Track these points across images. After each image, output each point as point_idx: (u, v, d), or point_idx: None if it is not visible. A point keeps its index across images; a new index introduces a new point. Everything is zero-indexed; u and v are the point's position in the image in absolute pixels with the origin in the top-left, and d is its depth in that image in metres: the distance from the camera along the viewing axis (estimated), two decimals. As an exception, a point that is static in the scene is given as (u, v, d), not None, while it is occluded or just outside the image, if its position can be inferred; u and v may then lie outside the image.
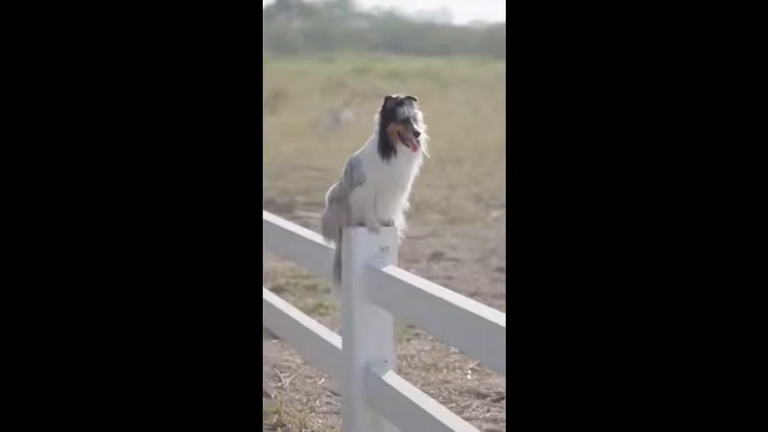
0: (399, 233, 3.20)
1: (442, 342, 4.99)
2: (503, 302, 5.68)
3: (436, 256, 7.01)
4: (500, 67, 30.31)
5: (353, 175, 3.15)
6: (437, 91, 23.19)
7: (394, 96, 3.08)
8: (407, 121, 3.01)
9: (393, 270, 3.08)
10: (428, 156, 3.13)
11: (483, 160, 12.18)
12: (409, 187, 3.16)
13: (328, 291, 6.02)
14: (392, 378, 3.12)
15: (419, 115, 3.06)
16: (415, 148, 3.03)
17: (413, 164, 3.09)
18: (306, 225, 6.20)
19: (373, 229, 3.13)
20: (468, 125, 15.60)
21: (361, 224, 3.14)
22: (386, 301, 3.09)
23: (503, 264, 6.76)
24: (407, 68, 29.99)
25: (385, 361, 3.22)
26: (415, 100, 3.08)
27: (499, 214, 8.87)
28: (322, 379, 4.50)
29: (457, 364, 4.67)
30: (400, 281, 2.95)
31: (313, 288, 6.13)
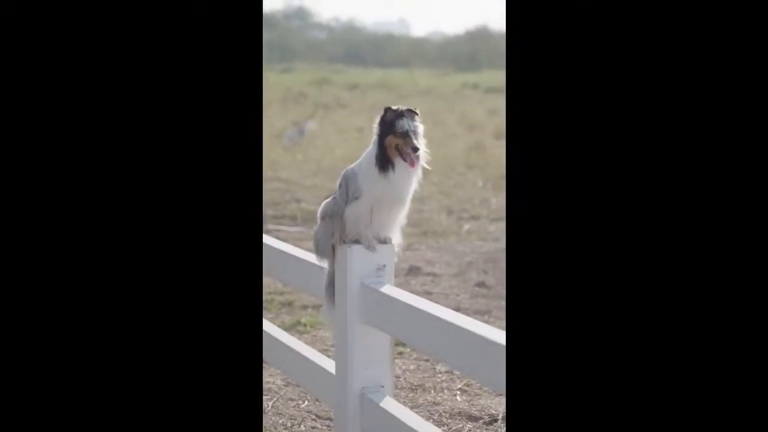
0: (396, 250, 3.04)
1: (427, 360, 4.83)
2: (486, 318, 5.53)
3: (414, 271, 6.84)
4: (460, 79, 30.49)
5: (349, 189, 2.98)
6: (398, 103, 23.03)
7: (395, 108, 2.91)
8: (406, 135, 2.85)
9: (391, 290, 2.91)
10: (429, 168, 2.97)
11: (450, 172, 12.06)
12: (407, 203, 3.00)
13: (305, 308, 5.84)
14: (390, 404, 2.95)
15: (420, 128, 2.90)
16: (413, 164, 2.86)
17: (412, 179, 2.93)
18: (276, 239, 6.03)
19: (370, 247, 2.96)
20: (432, 137, 15.43)
21: (357, 241, 2.96)
22: (384, 322, 2.92)
23: (482, 279, 6.62)
24: (367, 79, 29.97)
25: (382, 387, 3.05)
26: (416, 113, 2.91)
27: (472, 227, 8.74)
28: (306, 402, 4.31)
29: (444, 384, 4.50)
30: (400, 301, 2.78)
31: (288, 304, 5.94)
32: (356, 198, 2.95)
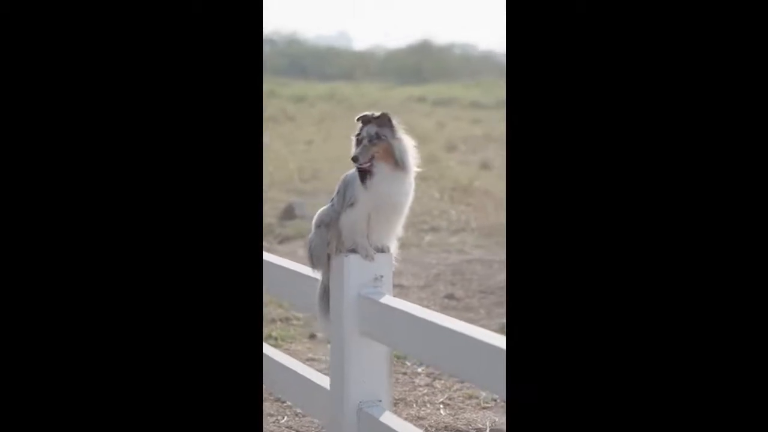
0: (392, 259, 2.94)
1: (404, 374, 4.74)
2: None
3: (381, 283, 6.74)
4: (406, 92, 30.46)
5: (346, 195, 2.87)
6: (345, 116, 23.04)
7: (360, 116, 2.80)
8: (359, 144, 2.74)
9: (391, 300, 2.81)
10: (418, 169, 2.87)
11: (406, 184, 11.98)
12: (405, 210, 2.89)
13: (273, 321, 5.71)
14: (390, 419, 2.85)
15: (389, 131, 2.77)
16: (364, 171, 2.75)
17: (395, 184, 2.80)
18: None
19: (367, 256, 2.85)
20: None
21: (353, 250, 2.86)
22: (383, 334, 2.82)
23: (450, 291, 6.56)
24: (313, 92, 29.84)
25: (380, 401, 2.95)
26: (377, 116, 2.77)
27: (433, 239, 8.67)
28: (285, 418, 4.19)
29: (426, 398, 4.40)
30: (402, 312, 2.69)
31: (257, 318, 5.80)
32: (351, 205, 2.84)
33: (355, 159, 2.72)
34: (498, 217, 9.74)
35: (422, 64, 41.33)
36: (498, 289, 6.59)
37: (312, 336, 5.55)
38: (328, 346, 5.31)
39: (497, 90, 29.53)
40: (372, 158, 2.73)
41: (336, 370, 2.96)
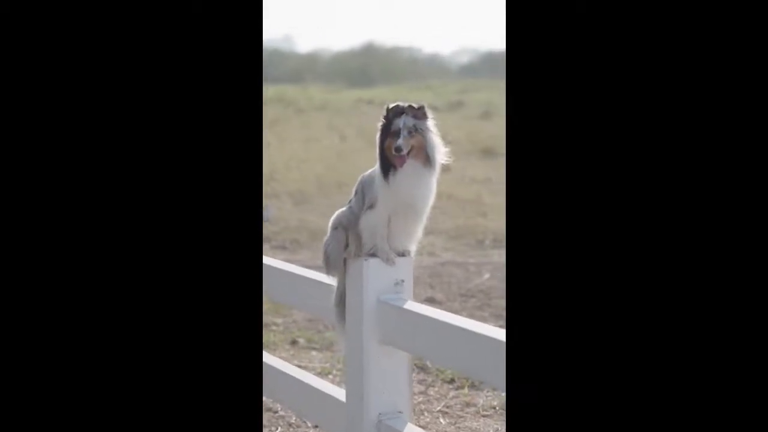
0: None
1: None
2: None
3: (360, 287, 6.60)
4: (355, 94, 30.40)
5: (365, 197, 2.72)
6: (295, 118, 22.91)
7: (392, 105, 2.66)
8: (397, 135, 2.59)
9: (414, 306, 2.67)
10: (442, 164, 2.73)
11: (364, 187, 11.84)
12: (426, 211, 2.76)
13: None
14: (414, 431, 2.71)
15: (425, 123, 2.64)
16: (400, 164, 2.60)
17: (422, 182, 2.67)
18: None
19: (388, 260, 2.71)
20: (340, 150, 15.31)
21: (373, 254, 2.71)
22: (407, 342, 2.68)
23: (430, 294, 6.45)
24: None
25: (400, 412, 2.80)
26: (418, 107, 2.64)
27: (403, 241, 8.54)
28: (279, 429, 4.02)
29: (423, 407, 4.26)
30: (428, 318, 2.56)
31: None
32: (371, 206, 2.70)
33: (398, 149, 2.58)
34: (465, 219, 9.65)
35: (368, 66, 41.28)
36: (478, 292, 6.48)
37: (294, 342, 5.39)
38: (312, 352, 5.17)
39: (446, 93, 29.57)
40: (410, 150, 2.60)
41: (353, 380, 2.81)
